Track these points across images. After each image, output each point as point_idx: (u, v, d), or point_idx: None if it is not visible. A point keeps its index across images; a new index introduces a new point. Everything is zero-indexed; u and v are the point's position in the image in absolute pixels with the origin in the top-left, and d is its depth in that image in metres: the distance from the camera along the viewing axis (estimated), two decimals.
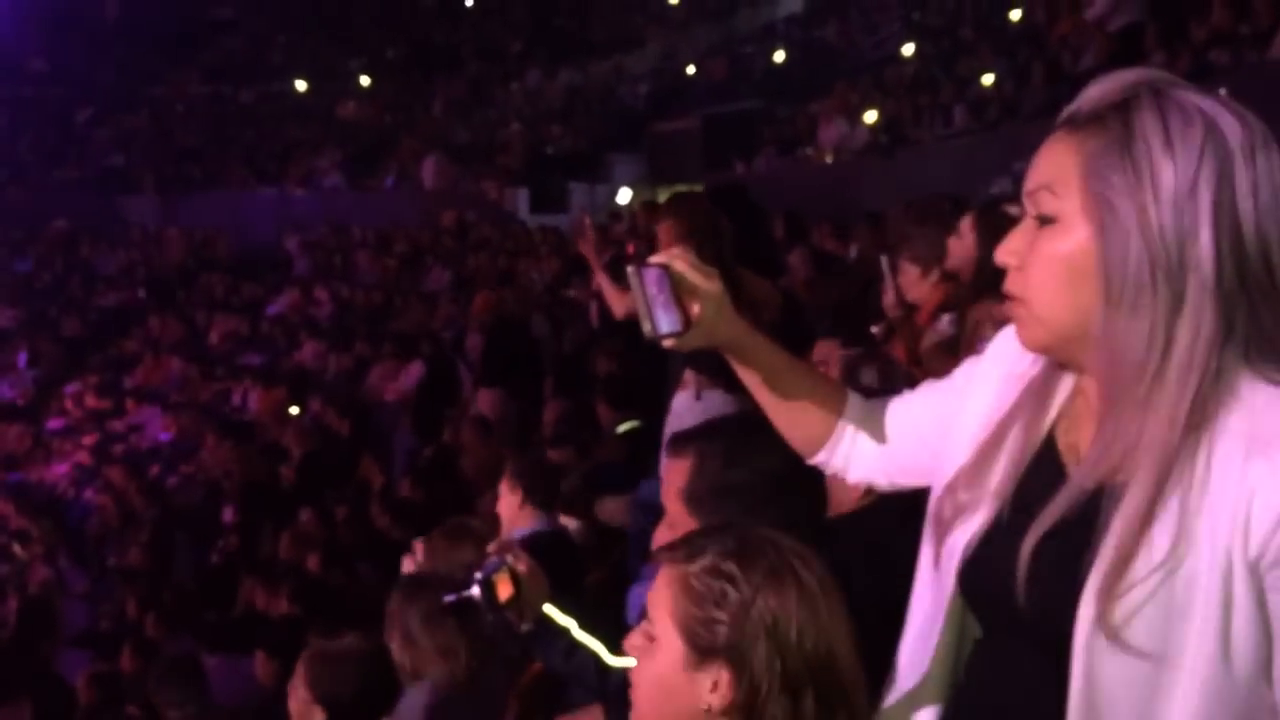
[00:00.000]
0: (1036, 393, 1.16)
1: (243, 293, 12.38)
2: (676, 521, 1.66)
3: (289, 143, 16.86)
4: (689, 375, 3.47)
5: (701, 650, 1.23)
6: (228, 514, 6.93)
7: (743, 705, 1.22)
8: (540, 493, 3.46)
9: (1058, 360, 1.13)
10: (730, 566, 1.24)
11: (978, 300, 2.75)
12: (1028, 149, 1.13)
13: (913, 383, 1.41)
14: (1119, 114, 1.03)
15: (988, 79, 10.01)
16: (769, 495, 1.61)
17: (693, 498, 1.65)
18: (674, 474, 1.68)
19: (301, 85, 18.19)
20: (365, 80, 18.28)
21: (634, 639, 1.29)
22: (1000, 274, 1.13)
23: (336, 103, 17.69)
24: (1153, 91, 1.03)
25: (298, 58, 18.92)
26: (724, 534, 1.30)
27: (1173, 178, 1.00)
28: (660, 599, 1.27)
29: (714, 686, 1.23)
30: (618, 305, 3.93)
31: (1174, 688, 1.00)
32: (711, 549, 1.26)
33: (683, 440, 1.73)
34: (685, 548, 1.29)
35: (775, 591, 1.23)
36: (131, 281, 13.43)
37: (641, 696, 1.29)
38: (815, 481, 1.62)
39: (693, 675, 1.24)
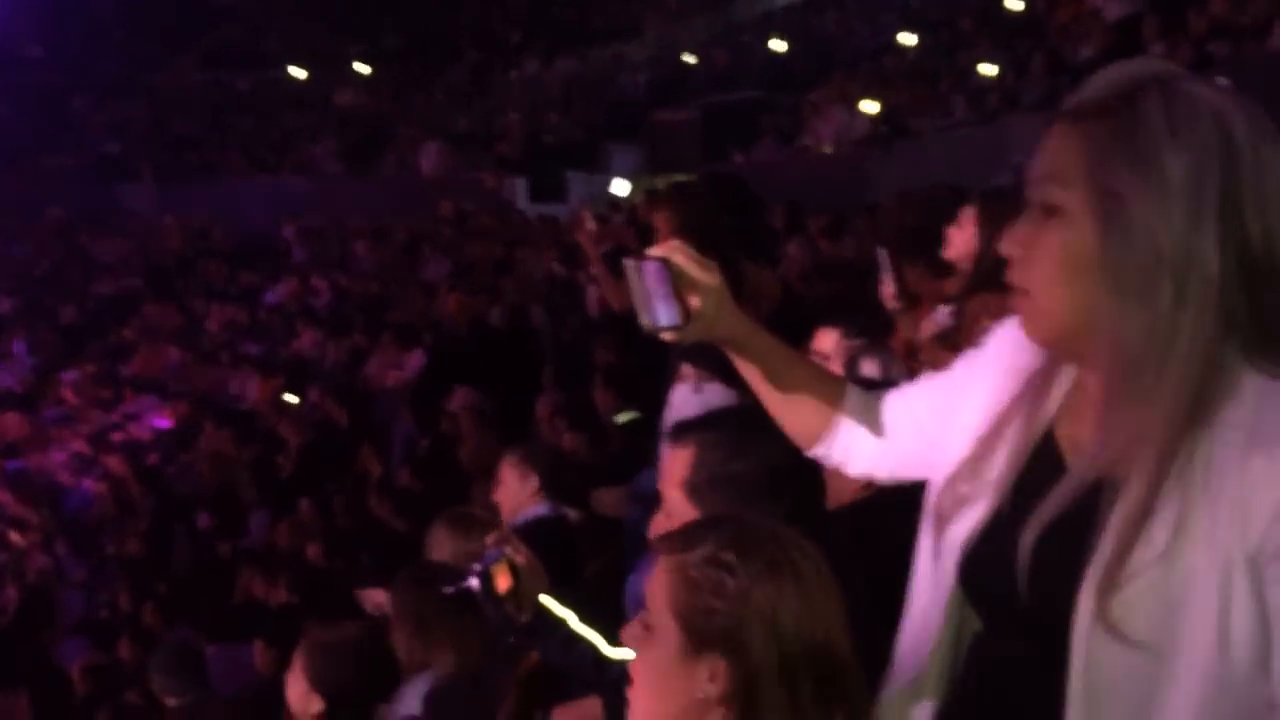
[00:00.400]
0: (1036, 386, 1.16)
1: (240, 281, 12.36)
2: (675, 511, 1.66)
3: (287, 131, 16.82)
4: (686, 369, 3.46)
5: (699, 640, 1.23)
6: (202, 519, 6.93)
7: (739, 695, 1.22)
8: (552, 480, 3.49)
9: (1059, 353, 1.13)
10: (728, 556, 1.24)
11: (977, 292, 2.74)
12: (1027, 140, 1.13)
13: (912, 375, 1.41)
14: (1125, 105, 1.03)
15: (987, 70, 10.00)
16: (769, 487, 1.61)
17: (692, 487, 1.65)
18: (674, 463, 1.68)
19: (299, 73, 18.12)
20: (363, 68, 18.21)
21: (632, 629, 1.30)
22: (1000, 265, 1.13)
23: (334, 91, 17.63)
24: (1159, 83, 1.03)
25: (295, 45, 18.83)
26: (722, 524, 1.30)
27: (1178, 170, 1.00)
28: (658, 589, 1.27)
29: (711, 676, 1.23)
30: (616, 298, 3.92)
31: (1172, 679, 1.01)
32: (709, 539, 1.26)
33: (684, 430, 1.73)
34: (683, 538, 1.30)
35: (773, 582, 1.23)
36: (129, 270, 13.40)
37: (639, 686, 1.29)
38: (814, 474, 1.62)
39: (690, 665, 1.24)
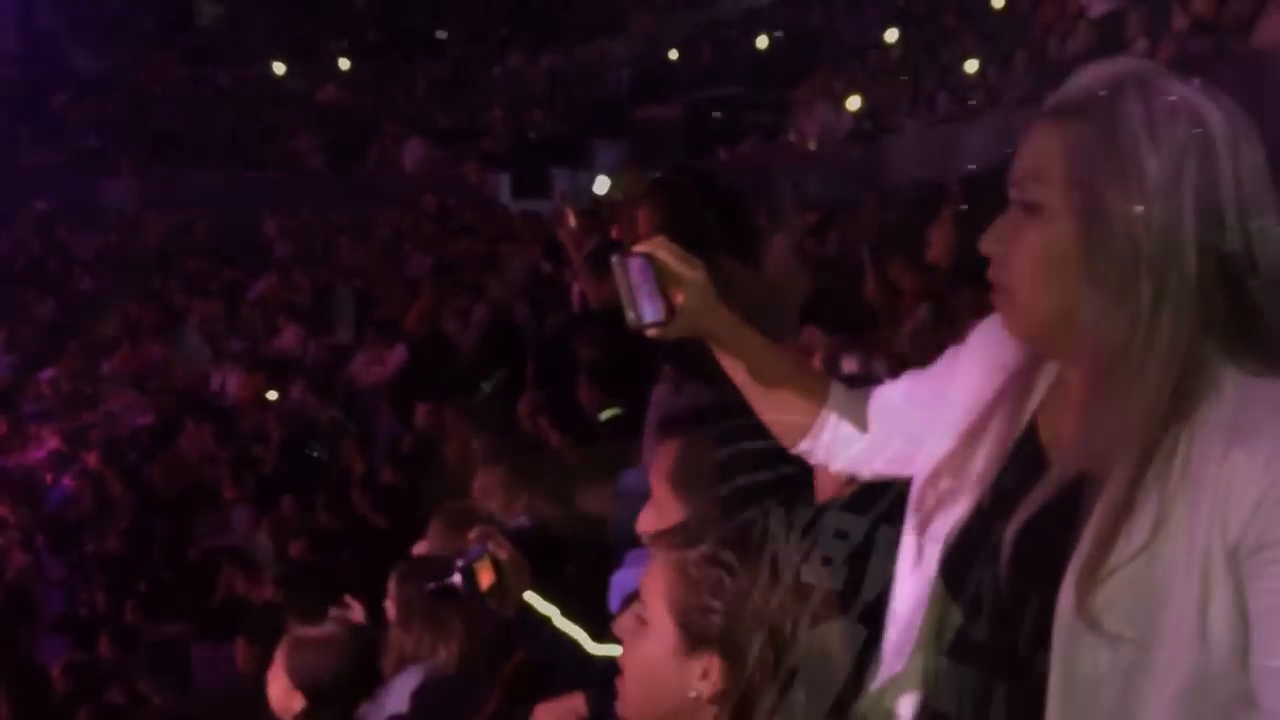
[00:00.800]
0: (1019, 382, 1.17)
1: (222, 277, 12.28)
2: (662, 504, 1.67)
3: (268, 126, 16.72)
4: (667, 368, 3.46)
5: (694, 638, 1.24)
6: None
7: (732, 695, 1.22)
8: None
9: (1041, 349, 1.14)
10: (728, 556, 1.24)
11: (956, 288, 2.75)
12: (1011, 136, 1.13)
13: (894, 371, 1.42)
14: (1105, 104, 1.04)
15: (971, 66, 10.04)
16: (758, 481, 1.61)
17: (680, 481, 1.65)
18: (662, 457, 1.68)
19: (281, 68, 18.01)
20: (345, 64, 18.12)
21: (625, 621, 1.30)
22: (980, 262, 1.13)
23: (316, 86, 17.54)
24: (1139, 82, 1.04)
25: (277, 40, 18.72)
26: (723, 523, 1.31)
27: (1157, 169, 1.01)
28: (655, 584, 1.27)
29: (704, 674, 1.23)
30: (596, 295, 3.91)
31: (1152, 673, 1.01)
32: (710, 537, 1.27)
33: (672, 423, 1.74)
34: (683, 534, 1.31)
35: (771, 583, 1.23)
36: (109, 265, 13.30)
37: (629, 681, 1.29)
38: (802, 470, 1.63)
39: (683, 662, 1.24)
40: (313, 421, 7.08)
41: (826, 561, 1.29)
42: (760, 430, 1.42)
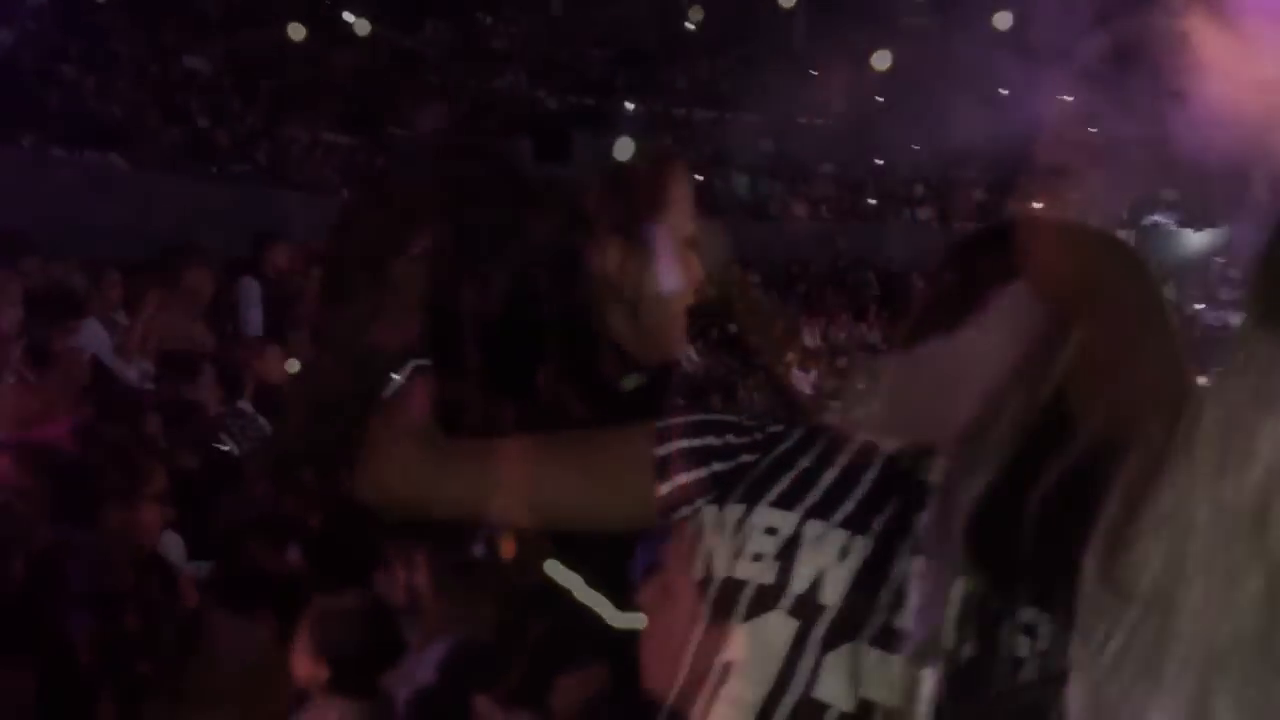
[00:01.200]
0: (1042, 348, 1.15)
1: (239, 246, 12.30)
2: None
3: (283, 93, 16.69)
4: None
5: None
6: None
7: None
8: None
9: (1066, 313, 1.12)
10: None
11: (980, 255, 2.72)
12: (1041, 94, 1.13)
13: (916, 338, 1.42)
14: (1130, 64, 1.01)
15: (1000, 22, 9.94)
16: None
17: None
18: (674, 428, 1.68)
19: (297, 34, 17.93)
20: (363, 28, 18.02)
21: (649, 592, 1.33)
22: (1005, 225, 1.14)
23: (332, 51, 17.47)
24: (1165, 39, 1.02)
25: (292, 5, 18.62)
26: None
27: (1184, 130, 0.99)
28: (679, 555, 1.29)
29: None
30: (622, 263, 3.88)
31: (1177, 644, 0.98)
32: None
33: (683, 393, 1.74)
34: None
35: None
36: (129, 238, 13.35)
37: (654, 650, 1.32)
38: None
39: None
40: (219, 416, 7.10)
41: (758, 557, 1.29)
42: (704, 427, 1.43)
